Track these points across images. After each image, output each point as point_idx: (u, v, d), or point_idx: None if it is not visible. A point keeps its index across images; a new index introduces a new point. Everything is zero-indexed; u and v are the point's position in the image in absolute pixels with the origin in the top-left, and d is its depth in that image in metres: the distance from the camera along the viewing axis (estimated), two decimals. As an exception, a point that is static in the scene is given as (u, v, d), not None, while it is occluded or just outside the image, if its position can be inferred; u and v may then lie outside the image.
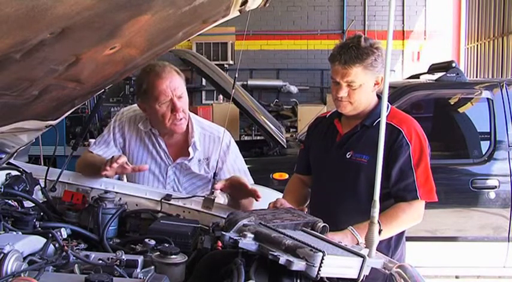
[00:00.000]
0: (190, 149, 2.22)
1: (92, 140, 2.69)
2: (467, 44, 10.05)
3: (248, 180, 2.25)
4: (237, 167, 2.26)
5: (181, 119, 2.15)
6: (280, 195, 2.38)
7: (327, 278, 1.36)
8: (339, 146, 2.10)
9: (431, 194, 1.99)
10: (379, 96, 2.10)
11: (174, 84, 2.13)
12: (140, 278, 1.34)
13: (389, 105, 2.07)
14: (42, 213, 1.86)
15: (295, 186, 2.31)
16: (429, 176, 2.00)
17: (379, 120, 1.99)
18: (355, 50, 1.95)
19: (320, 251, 1.31)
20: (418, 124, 2.06)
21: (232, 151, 2.28)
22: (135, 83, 2.28)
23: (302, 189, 2.28)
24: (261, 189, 2.33)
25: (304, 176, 2.29)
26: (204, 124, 2.28)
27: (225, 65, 10.02)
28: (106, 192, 2.00)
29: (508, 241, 3.99)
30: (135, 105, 2.37)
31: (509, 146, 4.05)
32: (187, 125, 2.24)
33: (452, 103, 4.58)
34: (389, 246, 2.06)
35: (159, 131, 2.25)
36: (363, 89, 1.99)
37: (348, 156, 2.05)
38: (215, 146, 2.24)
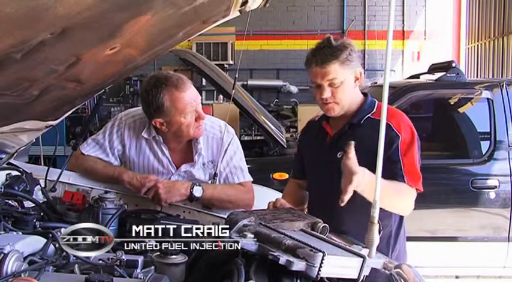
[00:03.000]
0: (195, 157, 2.18)
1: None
2: (468, 44, 10.05)
3: (245, 178, 2.25)
4: (232, 164, 2.23)
5: (202, 123, 2.14)
6: (280, 195, 2.38)
7: (327, 278, 1.36)
8: (329, 147, 2.11)
9: (417, 182, 1.96)
10: (365, 94, 2.11)
11: (195, 92, 2.10)
12: (140, 278, 1.34)
13: (375, 101, 2.08)
14: (42, 214, 1.86)
15: (292, 189, 2.32)
16: (416, 166, 1.98)
17: (366, 117, 2.03)
18: (328, 49, 1.98)
19: (320, 251, 1.31)
20: (406, 117, 2.06)
21: (231, 148, 2.24)
22: (146, 101, 2.08)
23: (299, 192, 2.29)
24: (261, 189, 2.34)
25: (300, 180, 2.30)
26: (206, 124, 2.21)
27: (225, 65, 10.01)
28: (106, 192, 2.00)
29: (508, 241, 3.99)
30: (133, 109, 2.31)
31: (509, 146, 4.05)
32: None
33: (452, 103, 4.58)
34: (389, 244, 2.06)
35: (166, 138, 2.18)
36: (345, 86, 1.99)
37: (338, 156, 2.05)
38: (219, 147, 2.21)
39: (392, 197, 1.91)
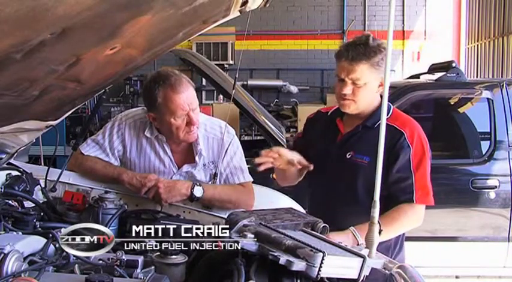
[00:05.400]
0: (196, 158, 2.18)
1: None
2: (468, 44, 10.05)
3: (246, 178, 2.25)
4: (233, 164, 2.22)
5: (194, 129, 2.12)
6: (280, 195, 2.38)
7: (327, 278, 1.36)
8: (339, 145, 2.09)
9: (427, 197, 1.99)
10: (382, 97, 2.09)
11: (190, 98, 2.07)
12: (140, 278, 1.34)
13: (391, 106, 2.07)
14: (42, 214, 1.86)
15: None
16: (427, 180, 1.99)
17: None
18: (362, 48, 1.95)
19: (320, 251, 1.31)
20: (420, 127, 2.05)
21: (231, 148, 2.23)
22: (144, 93, 2.12)
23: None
24: (261, 189, 2.34)
25: None
26: (206, 125, 2.22)
27: (225, 65, 10.01)
28: (106, 192, 2.00)
29: (508, 241, 3.99)
30: (133, 110, 2.31)
31: (509, 146, 4.05)
32: None
33: (452, 103, 4.58)
34: (389, 247, 2.05)
35: (167, 138, 2.18)
36: (367, 88, 1.98)
37: (348, 157, 2.05)
38: (219, 148, 2.20)
39: (391, 234, 1.95)
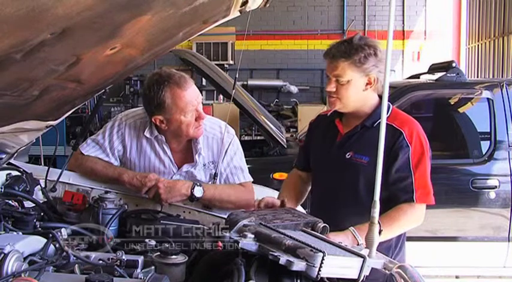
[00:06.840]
0: (196, 157, 2.18)
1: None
2: (468, 44, 10.05)
3: (246, 178, 2.25)
4: (233, 164, 2.23)
5: (202, 124, 2.14)
6: (280, 195, 2.38)
7: (327, 278, 1.36)
8: (339, 146, 2.10)
9: (428, 197, 1.98)
10: (381, 97, 2.08)
11: (196, 92, 2.10)
12: (140, 278, 1.34)
13: (391, 105, 2.07)
14: (42, 214, 1.86)
15: (292, 181, 2.29)
16: (428, 179, 1.99)
17: (380, 121, 2.00)
18: (345, 45, 1.98)
19: (320, 251, 1.31)
20: (419, 126, 2.05)
21: (231, 148, 2.24)
22: (147, 98, 2.09)
23: (300, 185, 2.26)
24: (261, 189, 2.34)
25: (303, 172, 2.28)
26: (206, 125, 2.21)
27: (225, 65, 10.02)
28: (106, 192, 2.00)
29: (508, 241, 3.99)
30: (133, 110, 2.31)
31: (509, 146, 4.05)
32: None
33: (452, 103, 4.58)
34: (390, 247, 2.05)
35: (167, 137, 2.18)
36: (351, 86, 1.99)
37: (347, 157, 2.05)
38: (219, 148, 2.21)
39: (391, 234, 1.94)
